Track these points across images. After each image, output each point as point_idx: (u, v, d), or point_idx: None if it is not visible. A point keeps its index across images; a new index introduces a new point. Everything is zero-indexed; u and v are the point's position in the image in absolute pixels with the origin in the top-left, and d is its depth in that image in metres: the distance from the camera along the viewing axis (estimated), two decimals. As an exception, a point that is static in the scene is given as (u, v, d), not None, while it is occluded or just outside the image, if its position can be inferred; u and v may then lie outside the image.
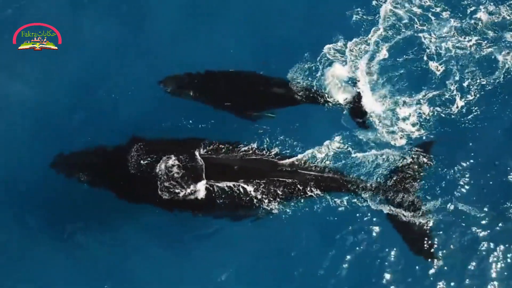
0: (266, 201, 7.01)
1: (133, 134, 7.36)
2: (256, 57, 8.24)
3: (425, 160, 7.38)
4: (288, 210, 7.19)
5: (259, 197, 6.99)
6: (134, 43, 8.43)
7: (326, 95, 7.81)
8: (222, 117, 7.77)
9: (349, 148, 7.44)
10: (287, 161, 7.23)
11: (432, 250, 7.05)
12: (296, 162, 7.21)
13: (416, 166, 7.33)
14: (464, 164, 7.48)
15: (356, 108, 7.79)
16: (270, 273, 7.26)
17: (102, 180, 7.34)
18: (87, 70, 8.15)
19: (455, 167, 7.45)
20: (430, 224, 7.11)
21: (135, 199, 7.22)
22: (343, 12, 8.33)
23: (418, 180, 7.29)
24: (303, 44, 8.27)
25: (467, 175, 7.39)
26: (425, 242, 7.06)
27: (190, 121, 7.72)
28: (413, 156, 7.38)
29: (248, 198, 6.98)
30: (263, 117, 7.77)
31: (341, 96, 7.82)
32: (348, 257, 7.13)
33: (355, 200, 7.20)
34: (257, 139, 7.43)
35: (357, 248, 7.15)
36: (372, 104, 7.80)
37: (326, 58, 7.99)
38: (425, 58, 8.01)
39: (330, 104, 7.84)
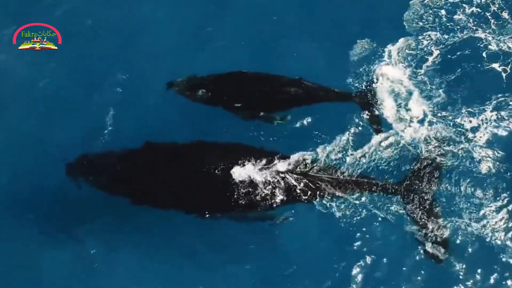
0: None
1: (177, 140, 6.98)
2: (269, 58, 7.88)
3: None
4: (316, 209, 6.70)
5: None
6: (140, 43, 8.05)
7: (375, 99, 7.32)
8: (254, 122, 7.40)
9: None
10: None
11: (448, 256, 6.51)
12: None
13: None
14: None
15: (372, 115, 7.30)
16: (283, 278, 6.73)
17: (118, 184, 6.95)
18: (89, 71, 7.87)
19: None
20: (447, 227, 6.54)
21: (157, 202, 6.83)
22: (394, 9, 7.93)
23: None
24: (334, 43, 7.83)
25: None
26: (441, 246, 6.52)
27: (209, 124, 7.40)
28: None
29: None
30: (277, 121, 7.36)
31: (390, 100, 7.31)
32: (362, 262, 6.63)
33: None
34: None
35: (372, 251, 6.66)
36: (419, 109, 7.21)
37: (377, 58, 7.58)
38: (484, 55, 7.48)
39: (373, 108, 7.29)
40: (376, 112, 7.27)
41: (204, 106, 7.42)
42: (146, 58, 7.94)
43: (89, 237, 7.04)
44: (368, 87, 7.38)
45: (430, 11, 7.81)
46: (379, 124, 7.21)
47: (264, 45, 7.99)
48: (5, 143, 7.60)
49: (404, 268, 6.53)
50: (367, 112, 7.29)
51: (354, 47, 7.68)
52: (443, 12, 7.76)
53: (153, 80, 7.73)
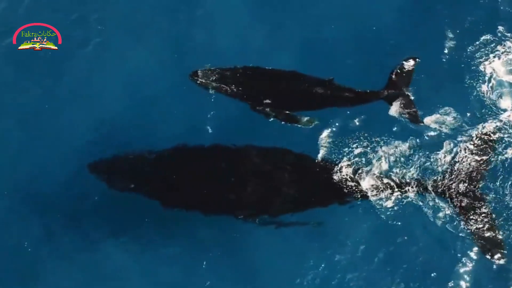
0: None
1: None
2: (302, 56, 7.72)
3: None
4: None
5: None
6: (144, 41, 7.89)
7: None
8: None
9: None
10: None
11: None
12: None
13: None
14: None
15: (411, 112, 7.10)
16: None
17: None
18: (90, 71, 7.72)
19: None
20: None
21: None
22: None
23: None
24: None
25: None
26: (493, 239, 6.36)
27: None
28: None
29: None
30: (305, 122, 7.18)
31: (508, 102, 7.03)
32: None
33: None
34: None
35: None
36: None
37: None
38: None
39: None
40: (413, 108, 7.06)
41: (231, 100, 7.22)
42: (156, 55, 7.76)
43: (107, 240, 6.86)
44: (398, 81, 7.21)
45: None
46: (418, 119, 7.01)
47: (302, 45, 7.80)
48: (5, 143, 7.43)
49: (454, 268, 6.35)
50: (403, 108, 7.07)
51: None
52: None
53: (167, 77, 7.59)
